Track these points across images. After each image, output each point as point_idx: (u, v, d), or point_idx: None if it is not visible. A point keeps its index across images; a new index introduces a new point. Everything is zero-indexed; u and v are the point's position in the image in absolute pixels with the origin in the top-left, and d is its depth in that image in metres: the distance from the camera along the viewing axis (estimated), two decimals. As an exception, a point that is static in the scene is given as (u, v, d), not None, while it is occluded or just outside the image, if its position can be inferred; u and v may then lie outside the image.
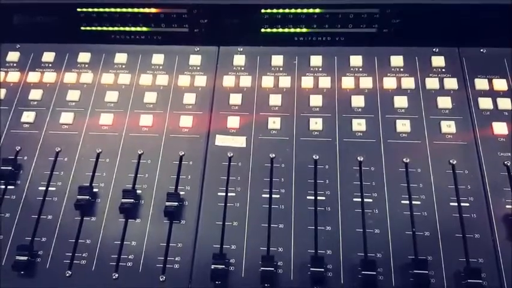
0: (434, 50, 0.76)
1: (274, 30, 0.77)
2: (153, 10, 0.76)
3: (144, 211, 0.66)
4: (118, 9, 0.77)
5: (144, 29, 0.79)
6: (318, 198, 0.64)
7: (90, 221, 0.65)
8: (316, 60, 0.76)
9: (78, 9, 0.77)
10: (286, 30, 0.77)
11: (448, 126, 0.68)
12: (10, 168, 0.68)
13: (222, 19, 0.76)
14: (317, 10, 0.74)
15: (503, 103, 0.70)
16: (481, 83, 0.72)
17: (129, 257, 0.63)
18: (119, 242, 0.63)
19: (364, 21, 0.76)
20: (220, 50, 0.79)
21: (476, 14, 0.72)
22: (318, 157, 0.67)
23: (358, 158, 0.67)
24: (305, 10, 0.75)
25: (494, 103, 0.70)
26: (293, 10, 0.75)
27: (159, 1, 0.76)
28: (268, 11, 0.75)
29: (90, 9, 0.77)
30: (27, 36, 0.80)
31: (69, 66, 0.78)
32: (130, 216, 0.65)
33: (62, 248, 0.64)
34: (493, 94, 0.71)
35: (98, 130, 0.72)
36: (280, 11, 0.75)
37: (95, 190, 0.67)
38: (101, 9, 0.77)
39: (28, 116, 0.73)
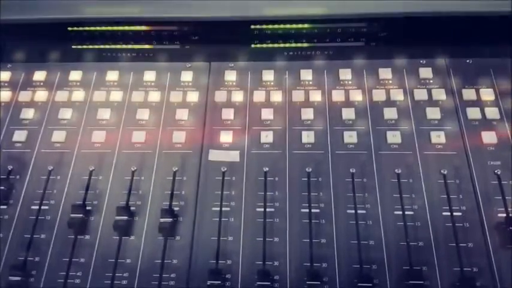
0: (421, 61, 0.77)
1: (264, 45, 0.78)
2: (144, 28, 0.77)
3: (138, 228, 0.65)
4: (109, 28, 0.77)
5: (136, 46, 0.79)
6: (312, 211, 0.65)
7: (84, 239, 0.65)
8: (306, 74, 0.77)
9: (69, 28, 0.78)
10: (276, 45, 0.78)
11: (438, 137, 0.69)
12: (2, 187, 0.67)
13: (213, 35, 0.77)
14: (306, 25, 0.76)
15: (491, 112, 0.71)
16: (469, 93, 0.73)
17: (124, 274, 0.62)
18: (114, 260, 0.63)
19: (352, 35, 0.77)
20: (212, 65, 0.79)
21: (462, 26, 0.74)
22: (311, 170, 0.68)
23: (351, 170, 0.68)
24: (294, 25, 0.76)
25: (482, 113, 0.71)
26: (282, 26, 0.76)
27: (150, 19, 0.76)
28: (258, 26, 0.76)
29: (81, 28, 0.78)
30: (18, 55, 0.80)
31: (60, 84, 0.78)
32: (125, 234, 0.65)
33: (55, 267, 0.63)
34: (480, 104, 0.72)
35: (91, 148, 0.72)
36: (270, 26, 0.76)
37: (88, 208, 0.67)
38: (92, 28, 0.78)
39: (20, 135, 0.73)
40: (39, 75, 0.79)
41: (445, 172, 0.66)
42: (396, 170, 0.67)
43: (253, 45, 0.78)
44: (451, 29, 0.75)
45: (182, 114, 0.74)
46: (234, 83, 0.77)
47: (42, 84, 0.79)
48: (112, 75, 0.79)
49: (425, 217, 0.64)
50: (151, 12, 0.75)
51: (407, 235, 0.62)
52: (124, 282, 0.62)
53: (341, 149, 0.70)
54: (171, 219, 0.64)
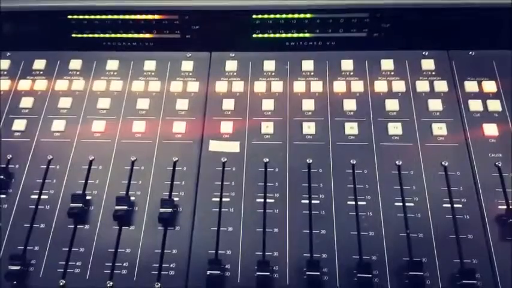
0: (423, 53, 0.76)
1: (266, 35, 0.78)
2: (144, 17, 0.76)
3: (138, 218, 0.65)
4: (109, 16, 0.77)
5: (136, 35, 0.79)
6: (312, 202, 0.65)
7: (83, 229, 0.65)
8: (307, 65, 0.77)
9: (69, 17, 0.77)
10: (277, 35, 0.78)
11: (439, 129, 0.69)
12: (1, 176, 0.67)
13: (214, 25, 0.77)
14: (308, 15, 0.75)
15: (493, 105, 0.71)
16: (471, 85, 0.73)
17: (124, 264, 0.62)
18: (113, 250, 0.63)
19: (354, 26, 0.76)
20: (212, 55, 0.79)
21: (465, 17, 0.73)
22: (311, 161, 0.68)
23: (351, 161, 0.67)
24: (296, 15, 0.75)
25: (484, 105, 0.71)
26: (284, 15, 0.75)
27: (150, 7, 0.76)
28: (259, 16, 0.76)
29: (81, 17, 0.77)
30: (18, 44, 0.80)
31: (60, 73, 0.78)
32: (124, 224, 0.65)
33: (55, 256, 0.63)
34: (482, 96, 0.72)
35: (90, 137, 0.72)
36: (271, 16, 0.75)
37: (88, 198, 0.66)
38: (92, 16, 0.77)
39: (19, 124, 0.73)
40: (39, 64, 0.79)
41: (446, 164, 0.66)
42: (397, 162, 0.67)
43: (254, 35, 0.78)
44: (453, 20, 0.74)
45: (182, 104, 0.74)
46: (235, 73, 0.77)
47: (41, 73, 0.78)
48: (112, 65, 0.78)
49: (425, 209, 0.63)
50: (152, 1, 0.75)
51: (407, 226, 0.62)
52: (124, 272, 0.62)
53: (342, 140, 0.70)
54: (170, 210, 0.63)
